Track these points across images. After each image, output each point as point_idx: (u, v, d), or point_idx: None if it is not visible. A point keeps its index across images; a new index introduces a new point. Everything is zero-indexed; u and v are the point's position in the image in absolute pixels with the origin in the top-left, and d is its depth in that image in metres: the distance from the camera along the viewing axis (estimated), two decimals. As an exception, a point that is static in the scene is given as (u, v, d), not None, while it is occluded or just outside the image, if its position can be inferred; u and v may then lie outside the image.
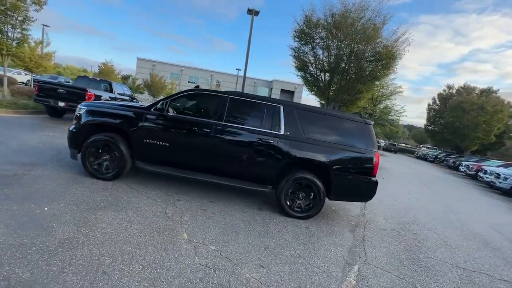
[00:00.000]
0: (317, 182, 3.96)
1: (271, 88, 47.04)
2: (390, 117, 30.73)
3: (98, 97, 9.54)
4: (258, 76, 48.07)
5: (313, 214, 4.06)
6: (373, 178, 4.09)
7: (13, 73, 21.34)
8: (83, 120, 4.08)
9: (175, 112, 4.16)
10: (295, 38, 12.64)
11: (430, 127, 41.28)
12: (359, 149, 4.08)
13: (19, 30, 9.70)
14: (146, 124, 4.00)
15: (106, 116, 4.08)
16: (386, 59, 10.92)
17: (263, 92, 49.70)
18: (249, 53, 14.69)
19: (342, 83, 12.17)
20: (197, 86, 4.78)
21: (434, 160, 31.14)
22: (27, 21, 9.73)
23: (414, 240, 4.09)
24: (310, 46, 12.54)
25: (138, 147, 4.02)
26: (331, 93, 12.58)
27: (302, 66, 13.04)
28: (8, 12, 9.18)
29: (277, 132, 4.02)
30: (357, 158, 4.07)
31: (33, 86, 15.68)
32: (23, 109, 9.13)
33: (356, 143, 4.12)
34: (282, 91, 46.62)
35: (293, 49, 12.98)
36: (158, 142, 3.98)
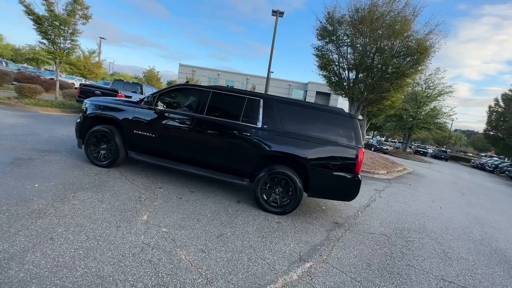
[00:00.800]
0: (293, 177, 3.83)
1: (306, 91, 46.10)
2: (437, 120, 27.58)
3: (128, 97, 10.62)
4: (293, 79, 47.60)
5: (289, 210, 3.92)
6: (355, 176, 3.80)
7: (75, 80, 24.85)
8: (86, 113, 4.62)
9: (164, 106, 4.46)
10: (318, 37, 12.29)
11: (491, 132, 35.87)
12: (341, 144, 3.84)
13: (69, 41, 11.32)
14: (135, 116, 4.35)
15: (104, 109, 4.55)
16: (416, 54, 9.89)
17: (298, 94, 49.00)
18: (273, 54, 14.74)
19: (367, 81, 11.38)
20: (187, 82, 5.01)
21: (494, 170, 26.93)
22: (75, 33, 11.31)
23: (404, 247, 3.67)
24: (333, 44, 12.06)
25: (128, 137, 4.39)
26: (355, 92, 11.87)
27: (325, 65, 12.60)
28: (61, 27, 10.79)
29: (254, 125, 4.01)
30: (338, 153, 3.83)
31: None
32: (68, 108, 10.60)
33: (338, 137, 3.88)
34: (318, 93, 45.34)
35: (316, 48, 12.63)
36: (144, 133, 4.30)
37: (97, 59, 20.25)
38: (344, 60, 12.15)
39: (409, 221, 4.89)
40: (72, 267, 2.04)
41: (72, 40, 11.41)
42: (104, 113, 4.51)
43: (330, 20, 11.60)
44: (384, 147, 28.22)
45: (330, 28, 11.78)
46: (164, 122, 4.28)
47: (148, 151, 4.40)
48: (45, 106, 9.99)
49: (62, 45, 11.21)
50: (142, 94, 11.76)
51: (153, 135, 4.29)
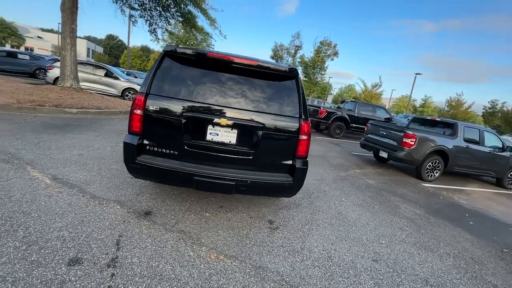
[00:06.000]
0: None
1: None
2: None
3: (330, 113, 10.72)
4: None
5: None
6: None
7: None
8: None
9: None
10: None
11: None
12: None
13: (319, 76, 14.12)
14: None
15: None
16: None
17: None
18: None
19: None
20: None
21: None
22: (323, 69, 13.84)
23: None
24: None
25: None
26: None
27: None
28: (316, 66, 13.98)
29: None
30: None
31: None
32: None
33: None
34: None
35: None
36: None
37: (379, 90, 21.33)
38: None
39: None
40: None
41: (321, 74, 14.08)
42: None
43: None
44: None
45: None
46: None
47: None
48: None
49: (316, 79, 14.33)
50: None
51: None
